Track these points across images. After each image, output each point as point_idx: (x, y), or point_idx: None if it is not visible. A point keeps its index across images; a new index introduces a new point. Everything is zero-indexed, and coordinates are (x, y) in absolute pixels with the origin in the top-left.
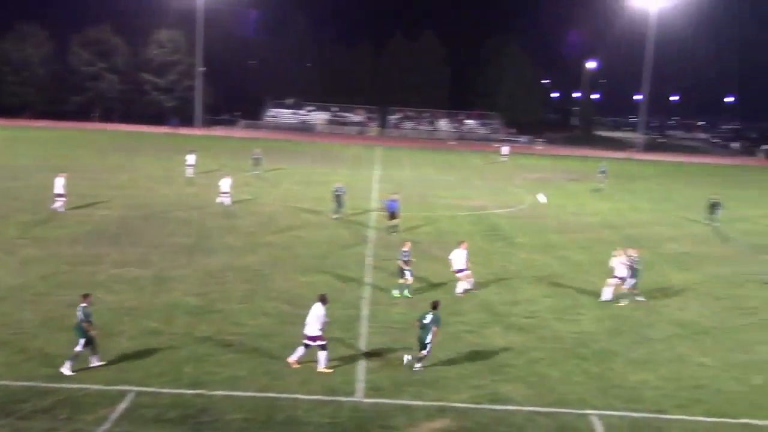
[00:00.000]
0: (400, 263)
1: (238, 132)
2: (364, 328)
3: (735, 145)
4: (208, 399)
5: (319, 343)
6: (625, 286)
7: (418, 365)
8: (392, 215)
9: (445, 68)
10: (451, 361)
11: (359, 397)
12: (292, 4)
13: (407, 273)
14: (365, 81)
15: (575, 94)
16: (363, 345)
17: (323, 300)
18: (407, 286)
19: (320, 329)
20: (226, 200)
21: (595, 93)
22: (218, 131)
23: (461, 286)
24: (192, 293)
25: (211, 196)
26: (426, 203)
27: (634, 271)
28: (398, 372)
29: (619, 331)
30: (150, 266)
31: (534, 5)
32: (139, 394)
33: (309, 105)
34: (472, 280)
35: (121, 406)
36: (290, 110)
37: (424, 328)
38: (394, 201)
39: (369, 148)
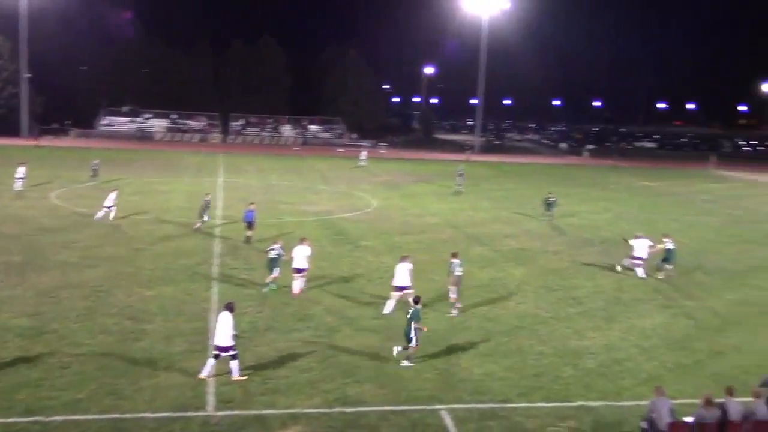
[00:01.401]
0: (271, 257)
1: (69, 141)
2: (212, 340)
3: (563, 145)
4: (45, 426)
5: (231, 353)
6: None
7: (405, 362)
8: (249, 225)
9: (287, 74)
10: (301, 367)
11: (210, 410)
12: (124, 8)
13: (276, 270)
14: (205, 87)
15: (415, 99)
16: (212, 357)
17: (230, 308)
18: (275, 282)
19: (232, 337)
20: (110, 214)
21: (434, 97)
22: (48, 141)
23: (297, 286)
24: (24, 314)
25: (42, 210)
26: (272, 210)
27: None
28: (249, 382)
29: (465, 327)
30: None
31: (373, 13)
32: None
33: (146, 112)
34: (304, 280)
35: None
36: (126, 118)
37: (408, 320)
38: (251, 211)
39: (211, 155)
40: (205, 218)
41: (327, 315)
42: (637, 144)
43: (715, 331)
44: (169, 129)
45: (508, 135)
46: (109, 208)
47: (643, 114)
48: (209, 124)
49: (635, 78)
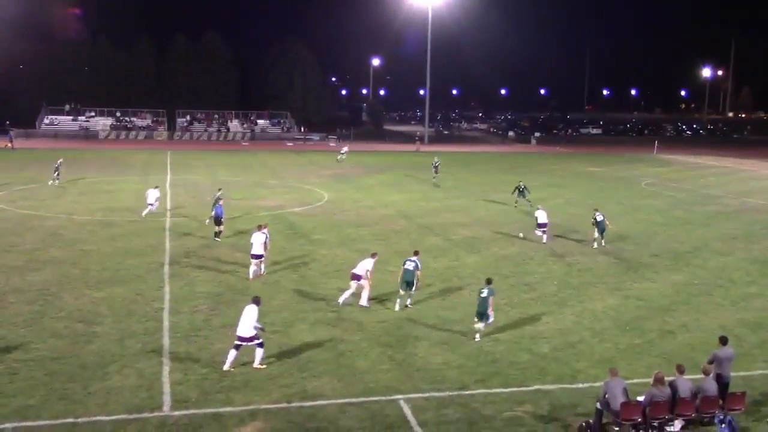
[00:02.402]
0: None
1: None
2: (166, 339)
3: (511, 134)
4: None
5: (257, 342)
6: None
7: (477, 337)
8: (218, 221)
9: (234, 69)
10: None
11: (166, 411)
12: (63, 5)
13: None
14: (150, 84)
15: (363, 91)
16: (166, 357)
17: (257, 302)
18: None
19: (255, 329)
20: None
21: (382, 89)
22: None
23: (252, 272)
24: None
25: None
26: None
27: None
28: (206, 381)
29: (421, 316)
30: None
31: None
32: None
33: (89, 110)
34: (263, 266)
35: None
36: (69, 117)
37: (483, 301)
38: (220, 206)
39: (158, 152)
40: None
41: (282, 310)
42: (583, 131)
43: (664, 311)
44: (114, 127)
45: (457, 125)
46: (152, 204)
47: (588, 101)
48: (155, 121)
49: (579, 66)
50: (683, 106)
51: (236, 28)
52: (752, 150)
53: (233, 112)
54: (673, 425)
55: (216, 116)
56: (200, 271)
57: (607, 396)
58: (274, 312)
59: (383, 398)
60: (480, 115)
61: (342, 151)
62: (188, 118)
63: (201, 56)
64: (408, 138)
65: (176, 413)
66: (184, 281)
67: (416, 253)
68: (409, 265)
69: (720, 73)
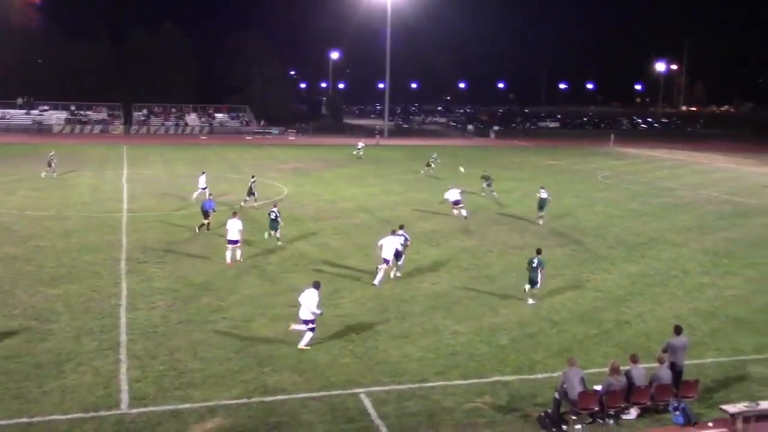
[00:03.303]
0: (272, 218)
1: None
2: (123, 336)
3: (470, 127)
4: None
5: (310, 326)
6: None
7: (531, 300)
8: (206, 214)
9: (192, 62)
10: (218, 359)
11: (124, 408)
12: None
13: (277, 227)
14: (106, 77)
15: (323, 85)
16: (123, 354)
17: (316, 285)
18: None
19: (313, 313)
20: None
21: (341, 82)
22: None
23: (229, 257)
24: None
25: None
26: (181, 200)
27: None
28: (164, 377)
29: (381, 310)
30: None
31: None
32: None
33: (43, 104)
34: (239, 252)
35: None
36: (21, 110)
37: (534, 270)
38: (210, 201)
39: (115, 147)
40: (247, 198)
41: (241, 305)
42: (541, 124)
43: (620, 302)
44: (69, 121)
45: (416, 118)
46: (203, 189)
47: (546, 95)
48: (111, 115)
49: (537, 60)
50: (639, 100)
51: (194, 20)
52: (705, 143)
53: (191, 105)
54: (629, 413)
55: (173, 110)
56: (158, 266)
57: (565, 386)
58: (234, 307)
59: (344, 392)
60: (440, 108)
61: (358, 146)
62: (145, 111)
63: (158, 49)
64: (368, 132)
65: (134, 411)
66: (141, 277)
67: (401, 227)
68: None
69: (674, 67)
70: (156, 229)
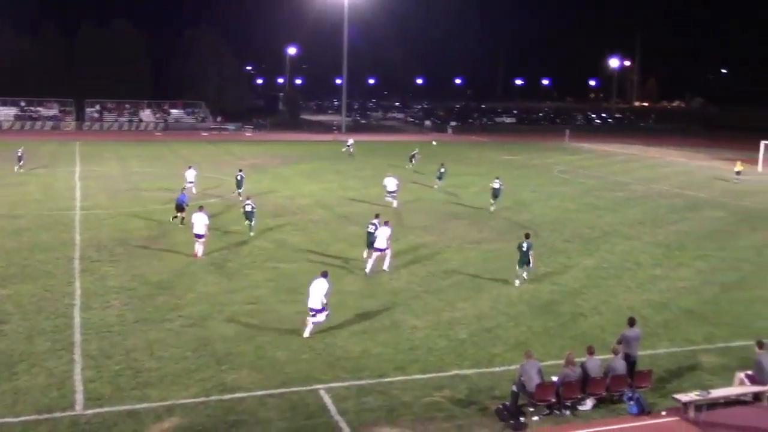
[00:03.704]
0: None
1: None
2: (77, 336)
3: (427, 123)
4: None
5: (320, 314)
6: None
7: (517, 282)
8: (179, 208)
9: (145, 58)
10: (174, 357)
11: (78, 410)
12: None
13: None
14: (56, 72)
15: (279, 80)
16: (78, 354)
17: (324, 275)
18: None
19: (322, 302)
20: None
21: (298, 78)
22: None
23: (199, 250)
24: None
25: None
26: (136, 198)
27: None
28: (120, 377)
29: (341, 306)
30: None
31: None
32: None
33: None
34: (202, 248)
35: None
36: None
37: (524, 253)
38: (184, 195)
39: (67, 143)
40: (239, 191)
41: (198, 303)
42: (498, 120)
43: (575, 294)
44: (18, 117)
45: (374, 114)
46: (191, 183)
47: (502, 90)
48: (62, 111)
49: (494, 56)
50: (593, 95)
51: (147, 15)
52: (657, 138)
53: (145, 101)
54: (585, 404)
55: (127, 106)
56: (112, 265)
57: (522, 378)
58: (191, 305)
59: (303, 388)
60: (397, 104)
61: (348, 143)
62: (98, 107)
63: (110, 44)
64: (326, 127)
65: (89, 412)
66: (95, 276)
67: (377, 216)
68: (371, 228)
69: (627, 64)
70: (110, 227)
